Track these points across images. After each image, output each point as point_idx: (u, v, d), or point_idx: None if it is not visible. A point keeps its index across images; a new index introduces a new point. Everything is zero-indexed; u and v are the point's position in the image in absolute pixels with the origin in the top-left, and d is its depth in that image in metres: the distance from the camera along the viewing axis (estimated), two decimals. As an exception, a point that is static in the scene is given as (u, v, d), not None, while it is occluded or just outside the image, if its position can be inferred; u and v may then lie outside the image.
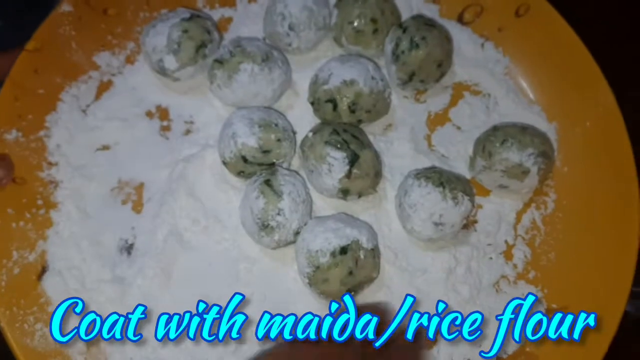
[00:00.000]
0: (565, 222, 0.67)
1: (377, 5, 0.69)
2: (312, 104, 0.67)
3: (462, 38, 0.74)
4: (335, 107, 0.66)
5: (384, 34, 0.70)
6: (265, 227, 0.60)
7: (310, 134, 0.65)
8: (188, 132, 0.69)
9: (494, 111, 0.72)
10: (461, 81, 0.73)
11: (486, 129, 0.68)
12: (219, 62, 0.66)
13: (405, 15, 0.73)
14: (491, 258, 0.65)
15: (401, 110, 0.71)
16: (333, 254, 0.58)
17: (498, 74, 0.73)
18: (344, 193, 0.63)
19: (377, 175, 0.65)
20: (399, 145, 0.69)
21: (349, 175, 0.62)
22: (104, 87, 0.71)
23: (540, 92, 0.72)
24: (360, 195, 0.65)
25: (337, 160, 0.62)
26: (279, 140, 0.64)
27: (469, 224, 0.66)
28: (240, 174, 0.65)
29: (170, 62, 0.67)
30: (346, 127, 0.64)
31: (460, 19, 0.76)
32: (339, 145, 0.62)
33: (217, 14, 0.75)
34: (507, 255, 0.66)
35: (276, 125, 0.64)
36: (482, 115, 0.71)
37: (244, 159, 0.63)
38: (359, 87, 0.65)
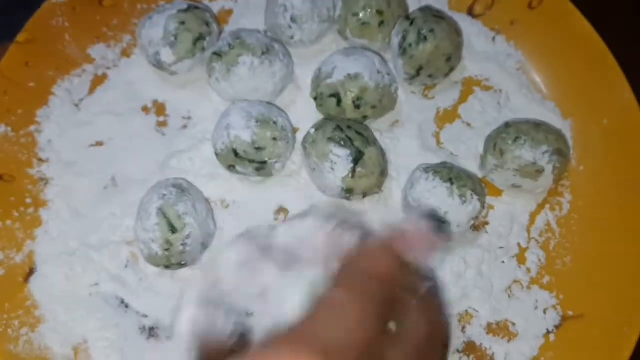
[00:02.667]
0: (582, 224, 0.64)
1: (383, -3, 0.65)
2: (315, 99, 0.64)
3: (473, 31, 0.71)
4: (339, 102, 0.62)
5: (391, 27, 0.67)
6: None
7: (313, 131, 0.62)
8: (185, 127, 0.67)
9: (505, 107, 0.68)
10: (471, 76, 0.69)
11: (498, 126, 0.65)
12: (218, 54, 0.64)
13: (412, 7, 0.70)
14: (503, 262, 0.62)
15: (408, 106, 0.68)
16: None
17: (510, 69, 0.70)
18: (348, 192, 0.60)
19: (383, 174, 0.62)
20: (406, 142, 0.66)
21: (352, 173, 0.59)
22: (98, 81, 0.68)
23: (555, 88, 0.69)
24: (365, 195, 0.62)
25: (340, 158, 0.59)
26: (274, 139, 0.61)
27: (479, 225, 0.63)
28: (230, 168, 0.62)
29: (167, 55, 0.64)
30: (350, 123, 0.61)
31: (470, 12, 0.72)
32: (342, 143, 0.59)
33: (217, 5, 0.72)
34: (520, 259, 0.62)
35: (275, 123, 0.61)
36: (494, 111, 0.68)
37: (235, 153, 0.60)
38: (364, 82, 0.62)
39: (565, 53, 0.68)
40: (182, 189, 0.59)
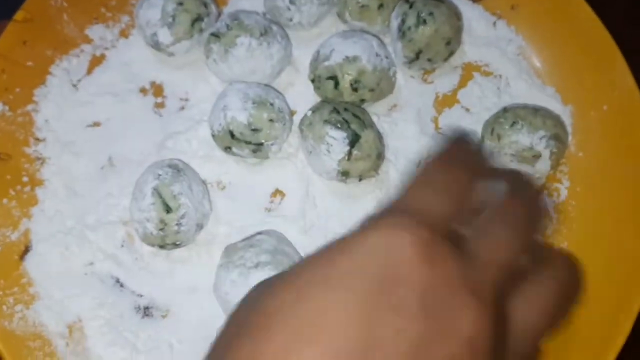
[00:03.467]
0: (579, 210, 0.63)
1: (383, -21, 0.65)
2: (313, 81, 0.64)
3: (473, 16, 0.70)
4: (336, 84, 0.62)
5: (390, 10, 0.66)
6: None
7: (310, 113, 0.61)
8: (182, 109, 0.66)
9: (505, 93, 0.68)
10: (471, 61, 0.69)
11: (496, 111, 0.64)
12: (216, 35, 0.63)
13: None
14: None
15: (407, 90, 0.67)
16: None
17: (510, 54, 0.69)
18: (344, 175, 0.60)
19: (379, 157, 0.61)
20: (404, 126, 0.66)
21: (349, 156, 0.59)
22: (96, 62, 0.68)
23: (555, 73, 0.68)
24: (361, 178, 0.61)
25: (336, 140, 0.59)
26: (271, 120, 0.60)
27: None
28: (227, 149, 0.62)
29: (165, 36, 0.64)
30: (347, 106, 0.61)
31: (471, -4, 0.72)
32: (339, 125, 0.59)
33: (216, -13, 0.72)
34: (517, 244, 0.62)
35: (272, 104, 0.61)
36: (493, 96, 0.67)
37: (231, 134, 0.60)
38: (362, 64, 0.61)
39: (566, 38, 0.67)
40: (178, 169, 0.59)
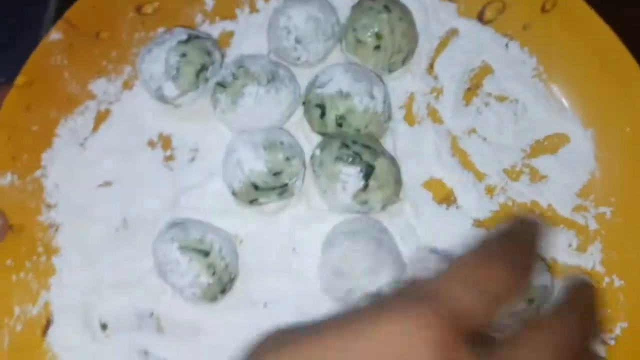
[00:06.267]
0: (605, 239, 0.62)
1: (388, 21, 0.62)
2: (304, 104, 0.63)
3: (484, 38, 0.68)
4: (322, 115, 0.61)
5: (387, 54, 0.63)
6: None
7: (318, 151, 0.60)
8: (193, 160, 0.65)
9: (523, 118, 0.65)
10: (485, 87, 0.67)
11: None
12: (222, 85, 0.62)
13: (421, 17, 0.67)
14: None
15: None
16: None
17: (525, 77, 0.67)
18: (364, 204, 0.59)
19: (398, 182, 0.60)
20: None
21: (365, 188, 0.58)
22: (101, 117, 0.66)
23: (574, 95, 0.65)
24: (384, 207, 0.60)
25: (350, 176, 0.58)
26: (287, 159, 0.59)
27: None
28: (252, 202, 0.60)
29: (170, 90, 0.62)
30: (355, 137, 0.60)
31: (480, 18, 0.69)
32: (350, 160, 0.58)
33: (217, 28, 0.69)
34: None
35: (282, 143, 0.60)
36: (510, 123, 0.65)
37: (255, 187, 0.58)
38: (352, 103, 0.60)
39: (583, 57, 0.65)
40: (181, 223, 0.59)
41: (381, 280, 0.56)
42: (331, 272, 0.57)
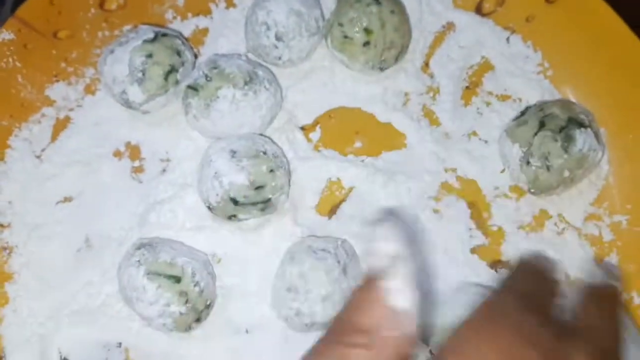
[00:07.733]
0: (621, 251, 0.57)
1: (378, 15, 0.56)
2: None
3: (483, 32, 0.62)
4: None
5: (378, 51, 0.58)
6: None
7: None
8: (164, 171, 0.59)
9: (528, 120, 0.60)
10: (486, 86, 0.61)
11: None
12: (193, 88, 0.55)
13: (414, 10, 0.62)
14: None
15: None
16: None
17: (529, 74, 0.61)
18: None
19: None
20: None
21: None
22: (60, 126, 0.60)
23: (582, 94, 0.60)
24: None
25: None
26: (271, 170, 0.53)
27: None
28: (231, 218, 0.54)
29: (135, 94, 0.56)
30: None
31: (478, 10, 0.63)
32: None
33: (190, 25, 0.64)
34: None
35: (264, 153, 0.54)
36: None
37: (234, 201, 0.52)
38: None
39: (592, 52, 0.59)
40: (149, 244, 0.52)
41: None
42: (284, 286, 0.51)
